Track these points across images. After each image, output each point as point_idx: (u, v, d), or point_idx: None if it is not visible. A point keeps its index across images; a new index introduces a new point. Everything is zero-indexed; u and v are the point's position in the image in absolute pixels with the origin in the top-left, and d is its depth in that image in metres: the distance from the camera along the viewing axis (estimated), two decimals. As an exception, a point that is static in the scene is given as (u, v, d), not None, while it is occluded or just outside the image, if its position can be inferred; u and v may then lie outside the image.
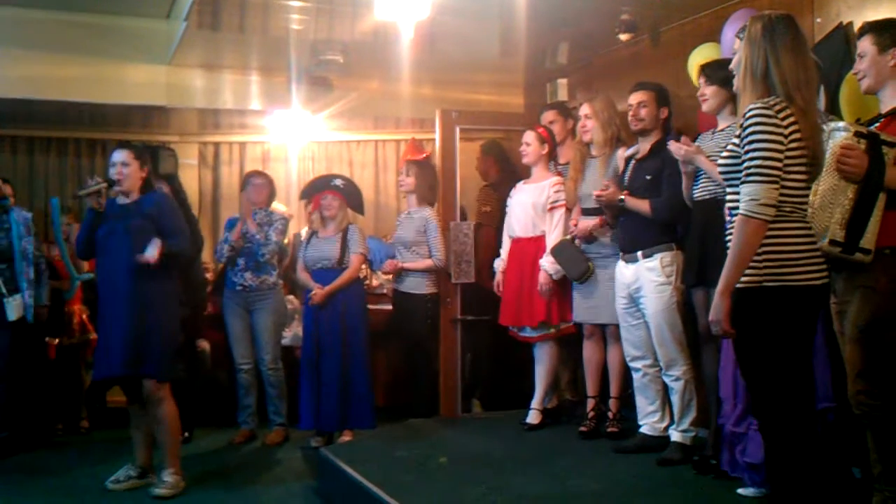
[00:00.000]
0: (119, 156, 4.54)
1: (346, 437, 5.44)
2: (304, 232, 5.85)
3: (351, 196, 5.67)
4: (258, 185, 5.90)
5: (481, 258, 5.78)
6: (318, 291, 5.42)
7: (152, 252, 4.31)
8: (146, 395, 4.44)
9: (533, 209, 5.05)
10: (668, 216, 4.21)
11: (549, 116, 5.34)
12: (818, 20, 4.17)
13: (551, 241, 4.92)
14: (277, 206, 6.92)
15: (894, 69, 3.12)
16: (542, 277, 4.91)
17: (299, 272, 5.67)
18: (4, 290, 5.27)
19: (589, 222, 4.71)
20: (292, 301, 6.52)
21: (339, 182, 5.68)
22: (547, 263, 4.90)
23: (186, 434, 5.77)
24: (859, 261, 3.01)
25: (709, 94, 3.98)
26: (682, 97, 4.65)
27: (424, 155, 7.02)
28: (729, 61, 3.81)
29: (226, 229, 5.86)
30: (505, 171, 6.24)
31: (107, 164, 4.67)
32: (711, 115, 4.07)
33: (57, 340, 5.97)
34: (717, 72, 3.93)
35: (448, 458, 4.44)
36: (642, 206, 4.30)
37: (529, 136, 5.12)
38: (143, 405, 4.50)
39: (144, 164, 4.61)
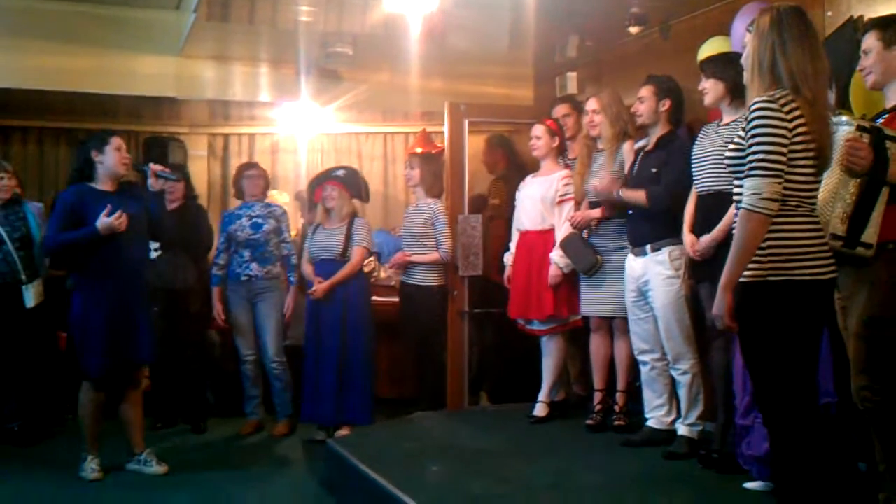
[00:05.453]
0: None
1: (343, 432, 5.41)
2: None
3: (353, 185, 5.66)
4: (252, 176, 5.91)
5: (493, 251, 5.78)
6: (318, 287, 5.42)
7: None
8: (134, 379, 4.85)
9: (542, 202, 5.04)
10: (665, 205, 4.20)
11: (562, 110, 5.32)
12: (829, 14, 4.14)
13: (560, 234, 4.91)
14: (275, 194, 6.87)
15: None
16: (552, 271, 4.91)
17: (304, 265, 5.68)
18: (24, 277, 5.32)
19: (590, 212, 4.73)
20: None
21: (340, 172, 5.67)
22: (557, 257, 4.90)
23: (203, 425, 5.83)
24: (861, 255, 3.00)
25: (707, 88, 4.00)
26: (692, 90, 4.63)
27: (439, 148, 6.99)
28: (728, 56, 3.80)
29: (223, 226, 5.84)
30: (513, 164, 6.23)
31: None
32: (718, 109, 4.07)
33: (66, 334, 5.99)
34: (715, 66, 3.95)
35: (454, 450, 4.45)
36: (638, 196, 4.30)
37: (539, 130, 5.10)
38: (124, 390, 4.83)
39: None
